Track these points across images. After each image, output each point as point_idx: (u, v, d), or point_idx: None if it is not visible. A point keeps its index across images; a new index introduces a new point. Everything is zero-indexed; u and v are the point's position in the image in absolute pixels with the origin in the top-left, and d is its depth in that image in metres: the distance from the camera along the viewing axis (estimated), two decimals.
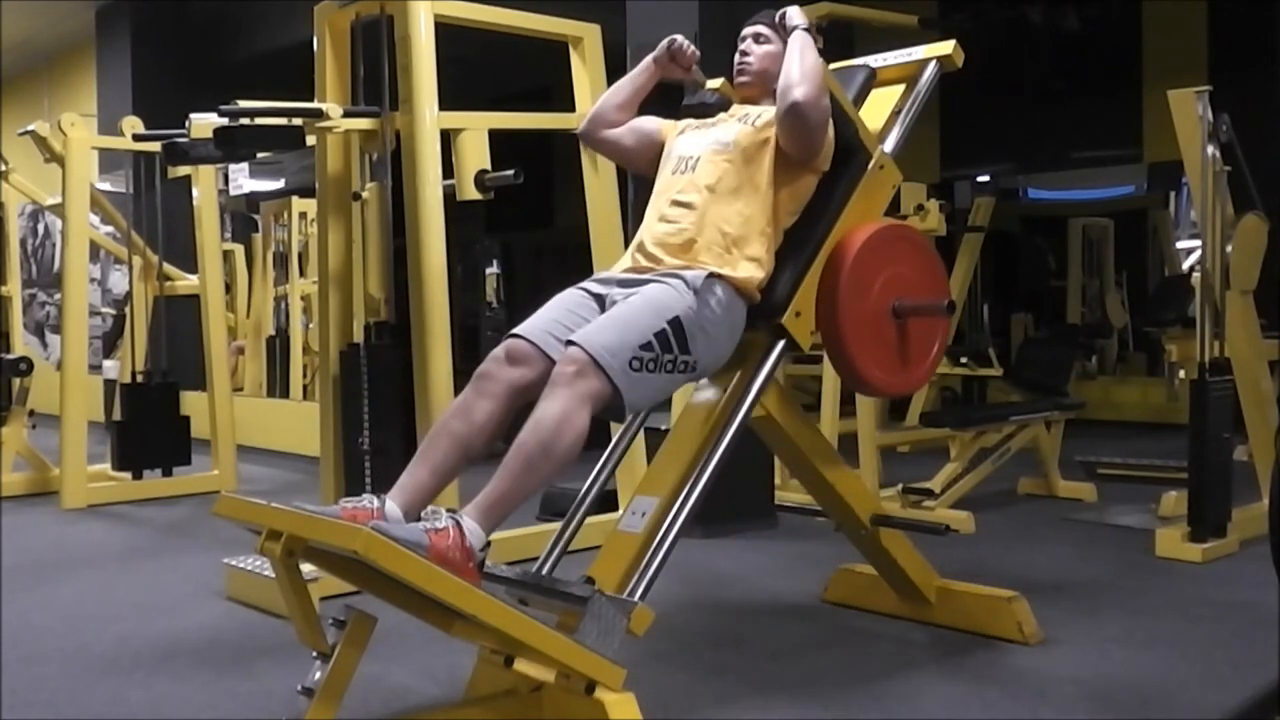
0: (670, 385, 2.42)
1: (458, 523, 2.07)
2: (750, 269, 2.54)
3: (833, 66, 2.90)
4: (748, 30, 2.84)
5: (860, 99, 2.98)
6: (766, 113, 2.66)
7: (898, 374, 2.81)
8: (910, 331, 2.79)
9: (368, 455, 3.55)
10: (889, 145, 2.88)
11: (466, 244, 8.59)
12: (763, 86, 2.76)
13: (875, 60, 3.10)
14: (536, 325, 2.43)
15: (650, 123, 2.91)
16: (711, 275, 2.48)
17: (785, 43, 2.71)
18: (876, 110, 3.02)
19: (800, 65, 2.59)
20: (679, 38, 2.83)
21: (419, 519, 2.13)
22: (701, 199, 2.58)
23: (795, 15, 2.77)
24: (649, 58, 2.87)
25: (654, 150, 2.85)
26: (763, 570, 3.92)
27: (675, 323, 2.38)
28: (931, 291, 2.82)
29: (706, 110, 2.82)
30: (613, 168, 4.28)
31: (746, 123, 2.68)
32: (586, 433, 2.22)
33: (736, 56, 2.83)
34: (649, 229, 2.64)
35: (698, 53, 2.84)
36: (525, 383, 2.34)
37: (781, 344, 2.63)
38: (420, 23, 3.60)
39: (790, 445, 2.86)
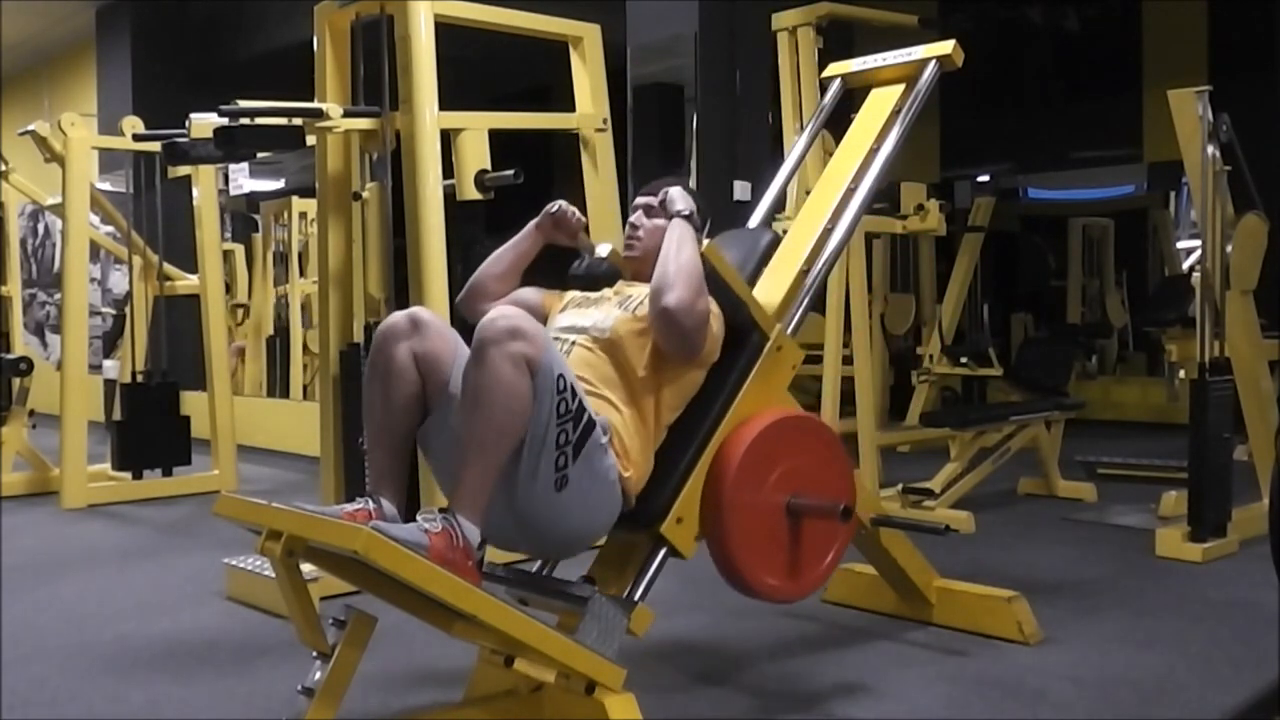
0: (541, 465, 2.13)
1: (452, 522, 2.07)
2: (628, 470, 2.29)
3: (727, 234, 2.76)
4: (639, 200, 2.64)
5: (760, 269, 2.73)
6: (647, 300, 2.40)
7: (789, 580, 2.49)
8: (806, 532, 2.48)
9: (368, 455, 3.55)
10: (793, 319, 2.64)
11: (466, 244, 8.59)
12: (651, 262, 2.47)
13: (875, 60, 3.10)
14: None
15: (531, 296, 2.66)
16: (608, 429, 2.26)
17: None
18: (877, 110, 3.02)
19: (675, 263, 2.35)
20: (561, 203, 2.61)
21: (413, 513, 2.12)
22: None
23: (677, 199, 2.53)
24: (531, 224, 2.65)
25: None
26: None
27: (590, 421, 2.17)
28: (833, 489, 2.52)
29: (594, 282, 2.61)
30: (613, 168, 4.28)
31: (627, 309, 2.43)
32: (530, 391, 2.07)
33: (627, 228, 2.65)
34: None
35: (582, 219, 2.65)
36: (429, 351, 2.25)
37: (663, 552, 2.34)
38: (420, 23, 3.61)
39: None
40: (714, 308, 2.42)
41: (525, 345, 2.07)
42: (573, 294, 2.63)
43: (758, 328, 2.53)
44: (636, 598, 2.26)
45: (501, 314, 2.10)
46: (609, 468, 2.23)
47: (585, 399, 2.19)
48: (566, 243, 2.66)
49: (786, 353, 2.57)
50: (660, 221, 2.55)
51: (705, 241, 2.49)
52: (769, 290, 2.68)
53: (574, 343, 2.41)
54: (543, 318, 2.59)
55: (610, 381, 2.35)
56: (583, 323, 2.46)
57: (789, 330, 2.61)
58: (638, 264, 2.60)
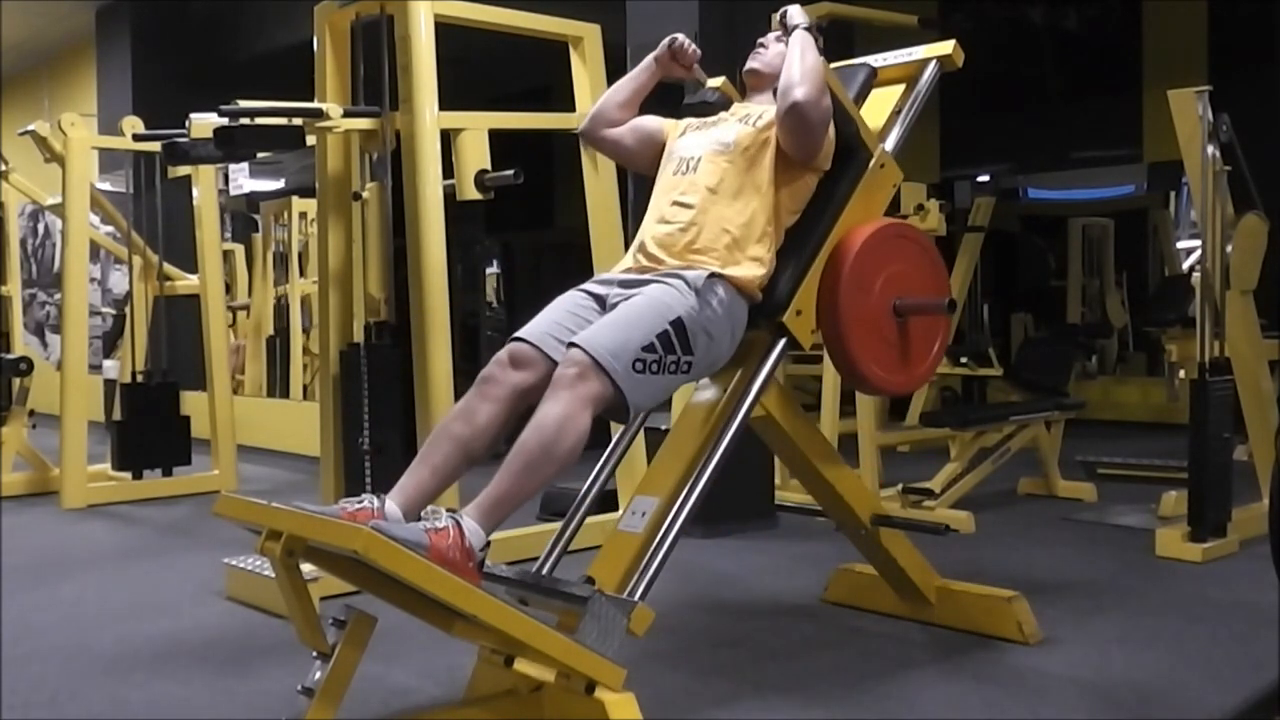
0: (673, 385, 2.42)
1: (458, 522, 2.07)
2: (752, 268, 2.54)
3: (833, 66, 2.89)
4: (771, 34, 2.87)
5: (861, 98, 2.97)
6: (768, 113, 2.65)
7: (898, 372, 2.81)
8: (911, 330, 2.78)
9: (368, 455, 3.56)
10: (889, 144, 2.88)
11: (466, 244, 8.59)
12: (770, 79, 2.74)
13: (875, 60, 3.10)
14: (538, 328, 2.43)
15: (652, 122, 2.90)
16: (713, 275, 2.47)
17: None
18: (877, 110, 3.02)
19: (801, 65, 2.58)
20: (680, 36, 2.84)
21: (419, 519, 2.13)
22: (703, 200, 2.57)
23: (796, 14, 2.77)
24: (650, 56, 2.87)
25: (655, 150, 2.84)
26: (763, 570, 3.92)
27: (678, 323, 2.37)
28: (933, 290, 2.82)
29: (707, 109, 2.81)
30: (613, 168, 4.28)
31: (748, 123, 2.66)
32: (588, 434, 2.22)
33: (756, 45, 2.86)
34: (650, 229, 2.64)
35: (699, 52, 2.84)
36: (527, 386, 2.34)
37: (783, 343, 2.63)
38: (420, 23, 3.61)
39: (790, 445, 2.86)
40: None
41: (594, 385, 2.23)
42: (690, 120, 2.83)
43: (864, 145, 2.77)
44: (637, 597, 2.26)
45: (574, 360, 2.24)
46: (715, 308, 2.45)
47: (657, 322, 2.34)
48: (682, 75, 2.88)
49: (888, 171, 2.83)
50: (782, 46, 2.76)
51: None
52: (870, 117, 2.89)
53: (700, 157, 2.64)
54: (661, 143, 2.83)
55: (736, 188, 2.58)
56: (706, 139, 2.68)
57: (889, 150, 2.84)
58: (756, 79, 2.83)
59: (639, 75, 2.88)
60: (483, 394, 2.33)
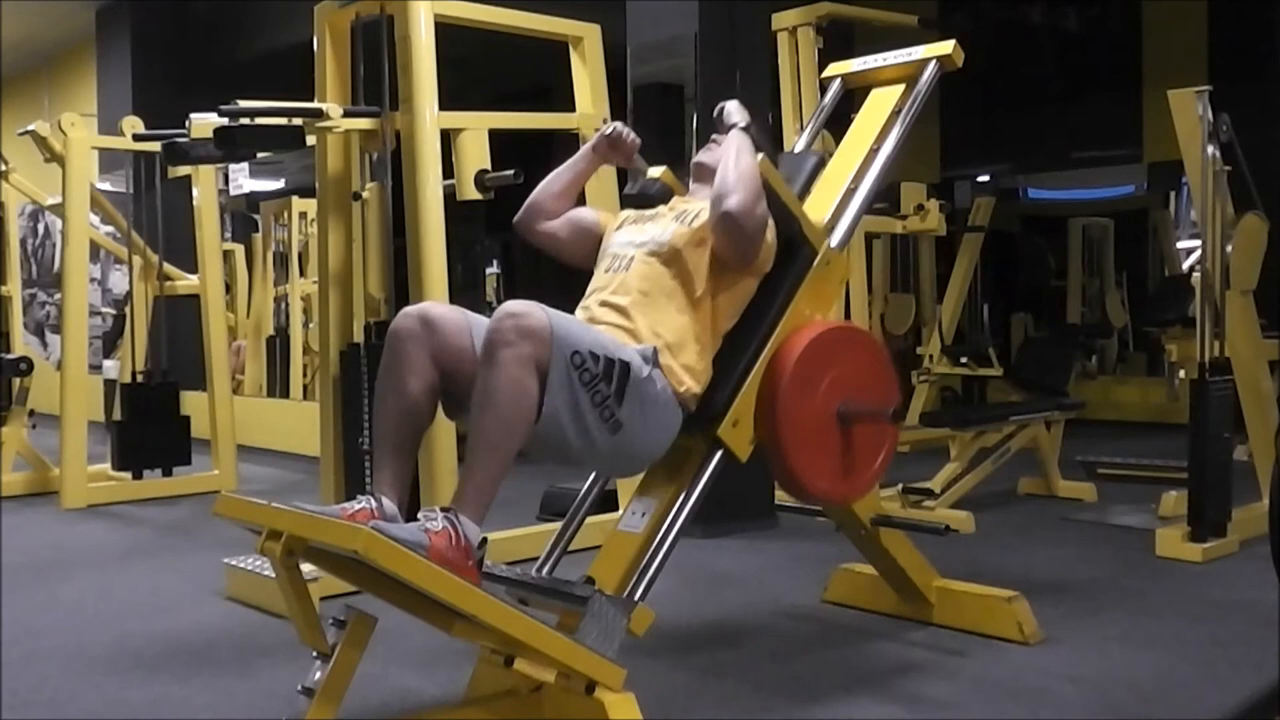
0: (592, 426, 2.20)
1: (454, 521, 2.07)
2: (685, 380, 2.38)
3: (781, 154, 2.82)
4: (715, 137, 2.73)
5: (808, 189, 2.85)
6: (705, 211, 2.49)
7: (840, 483, 2.63)
8: (855, 437, 2.62)
9: (368, 455, 3.55)
10: (838, 235, 2.73)
11: (466, 244, 8.60)
12: (714, 175, 2.55)
13: (875, 60, 3.10)
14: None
15: (588, 214, 2.77)
16: (657, 352, 2.34)
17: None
18: (876, 110, 3.02)
19: (735, 170, 2.43)
20: (618, 125, 2.72)
21: (414, 513, 2.12)
22: (633, 303, 2.42)
23: (734, 112, 2.64)
24: (587, 145, 2.75)
25: (592, 243, 2.70)
26: (763, 570, 3.92)
27: (624, 366, 2.23)
28: (879, 393, 2.66)
29: (647, 201, 2.69)
30: (612, 169, 4.28)
31: (684, 222, 2.51)
32: (538, 392, 2.11)
33: (709, 143, 2.73)
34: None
35: (638, 140, 2.73)
36: (445, 344, 2.25)
37: (719, 455, 2.46)
38: (420, 23, 3.61)
39: None
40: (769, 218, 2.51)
41: (533, 345, 2.10)
42: (628, 212, 2.71)
43: (807, 241, 2.64)
44: (637, 597, 2.26)
45: (510, 312, 2.12)
46: (658, 391, 2.31)
47: (610, 349, 2.24)
48: (621, 164, 2.79)
49: (835, 267, 2.70)
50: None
51: (759, 156, 2.54)
52: (815, 210, 2.78)
53: (632, 257, 2.49)
54: (598, 236, 2.70)
55: (669, 290, 2.44)
56: (641, 237, 2.54)
57: (835, 246, 2.72)
58: (703, 172, 2.67)
59: (575, 165, 2.75)
60: (398, 354, 2.24)
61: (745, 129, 2.58)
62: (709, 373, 2.45)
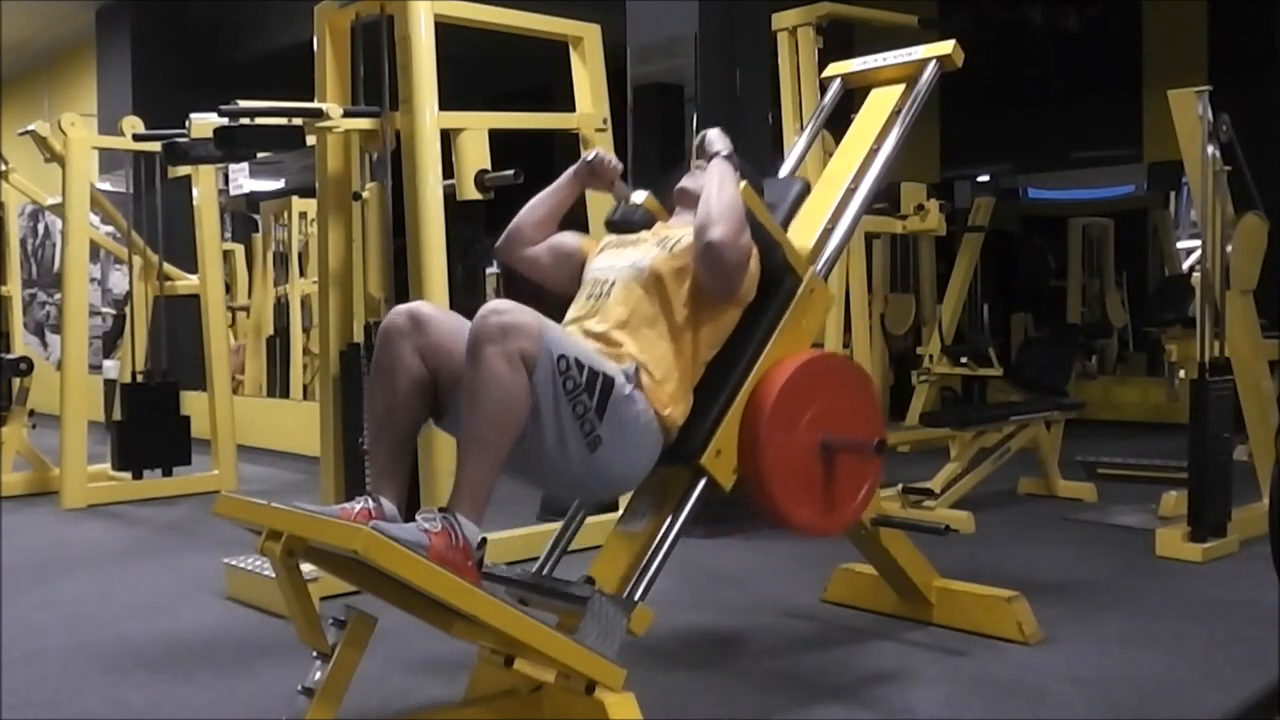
0: (570, 439, 2.18)
1: (452, 522, 2.07)
2: (667, 406, 2.34)
3: (765, 180, 2.80)
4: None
5: (793, 213, 2.81)
6: (686, 236, 2.46)
7: (824, 515, 2.59)
8: (839, 468, 2.58)
9: (368, 455, 3.55)
10: (823, 262, 2.71)
11: (466, 244, 8.59)
12: (697, 201, 2.52)
13: (875, 60, 3.09)
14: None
15: (570, 240, 2.73)
16: (639, 372, 2.31)
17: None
18: (876, 110, 3.02)
19: (718, 200, 2.40)
20: (599, 150, 2.71)
21: (413, 513, 2.12)
22: (613, 332, 2.38)
23: (716, 140, 2.61)
24: (569, 171, 2.72)
25: (574, 268, 2.66)
26: (763, 570, 3.92)
27: (607, 381, 2.21)
28: (864, 425, 2.62)
29: (629, 227, 2.66)
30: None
31: (665, 247, 2.48)
32: (528, 388, 2.09)
33: (693, 169, 2.70)
34: None
35: (619, 166, 2.71)
36: (434, 344, 2.24)
37: (703, 483, 2.43)
38: (420, 23, 3.61)
39: None
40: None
41: (520, 341, 2.08)
42: (610, 238, 2.68)
43: (791, 271, 2.60)
44: (637, 597, 2.26)
45: (494, 309, 2.10)
46: (639, 412, 2.28)
47: (595, 361, 2.21)
48: (603, 190, 2.76)
49: (819, 296, 2.66)
50: None
51: (742, 184, 2.51)
52: (799, 237, 2.75)
53: (613, 282, 2.46)
54: (580, 262, 2.66)
55: (649, 318, 2.40)
56: (621, 262, 2.50)
57: (820, 271, 2.69)
58: (686, 198, 2.63)
59: (557, 191, 2.73)
60: (389, 354, 2.23)
61: (728, 157, 2.55)
62: (689, 401, 2.41)
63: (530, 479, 2.41)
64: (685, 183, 2.67)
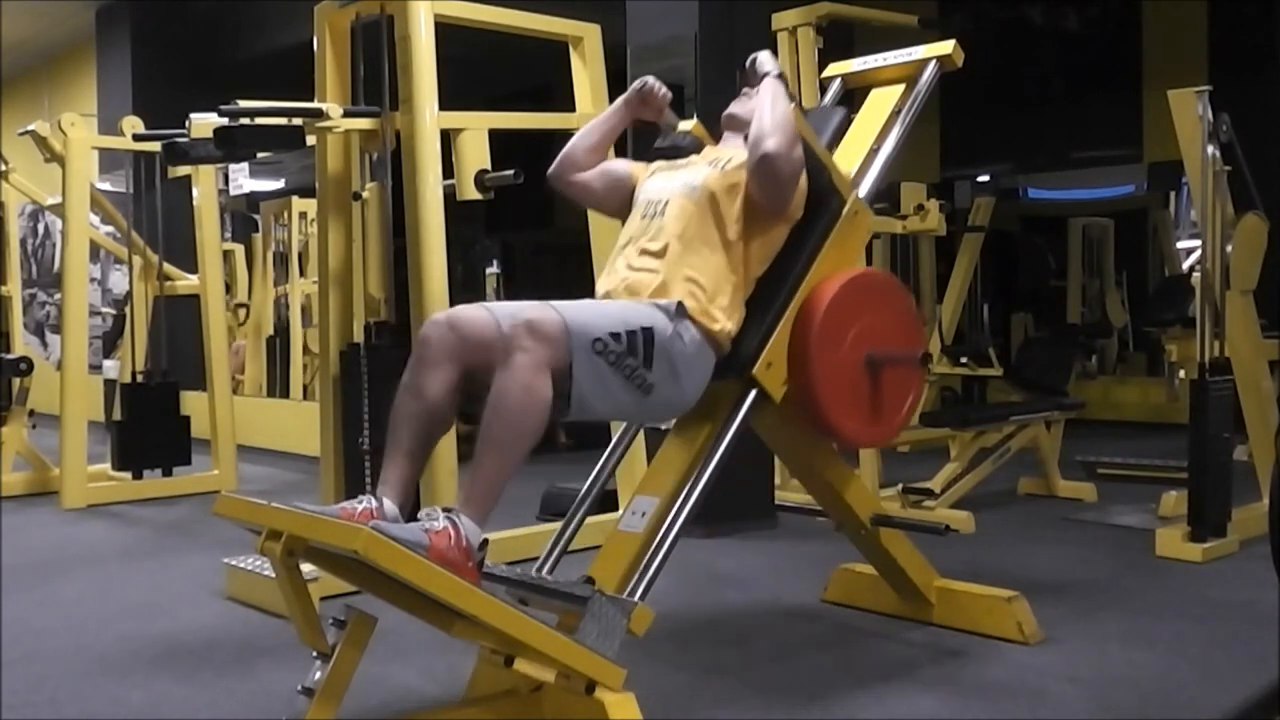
0: (623, 397, 2.28)
1: (455, 522, 2.07)
2: (720, 319, 2.45)
3: (808, 110, 2.85)
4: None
5: (835, 142, 2.91)
6: (737, 156, 2.57)
7: (871, 426, 2.72)
8: (884, 382, 2.70)
9: (368, 455, 3.55)
10: (865, 187, 2.80)
11: (466, 244, 8.60)
12: (746, 125, 2.65)
13: (875, 60, 3.10)
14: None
15: (621, 165, 2.84)
16: (683, 306, 2.39)
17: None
18: (876, 110, 3.02)
19: (771, 115, 2.50)
20: (650, 79, 2.79)
21: (414, 515, 2.12)
22: (669, 247, 2.47)
23: (766, 61, 2.69)
24: (619, 100, 2.83)
25: (625, 193, 2.77)
26: (763, 570, 3.92)
27: (647, 332, 2.29)
28: (906, 341, 2.74)
29: (678, 153, 2.75)
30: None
31: (716, 166, 2.58)
32: (550, 398, 2.14)
33: (740, 94, 2.78)
34: (618, 275, 2.53)
35: (669, 95, 2.80)
36: (470, 345, 2.26)
37: (753, 394, 2.53)
38: (420, 23, 3.61)
39: (790, 445, 2.86)
40: None
41: (547, 349, 2.14)
42: (659, 162, 2.76)
43: (837, 192, 2.69)
44: (637, 597, 2.26)
45: (525, 318, 2.15)
46: (687, 343, 2.38)
47: (630, 319, 2.29)
48: (652, 118, 2.84)
49: (862, 218, 2.74)
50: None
51: (792, 104, 2.59)
52: (843, 161, 2.83)
53: (667, 201, 2.54)
54: (631, 187, 2.76)
55: (705, 234, 2.49)
56: (674, 183, 2.59)
57: (863, 195, 2.77)
58: (735, 123, 2.73)
59: (609, 119, 2.83)
60: (424, 360, 2.26)
61: (779, 77, 2.64)
62: (742, 313, 2.51)
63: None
64: (734, 108, 2.76)
